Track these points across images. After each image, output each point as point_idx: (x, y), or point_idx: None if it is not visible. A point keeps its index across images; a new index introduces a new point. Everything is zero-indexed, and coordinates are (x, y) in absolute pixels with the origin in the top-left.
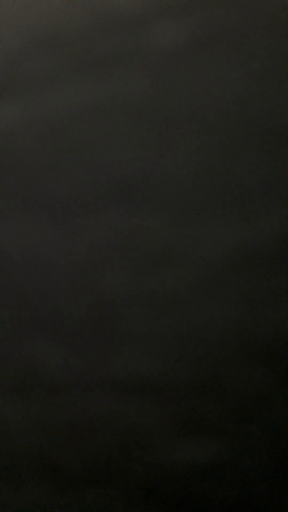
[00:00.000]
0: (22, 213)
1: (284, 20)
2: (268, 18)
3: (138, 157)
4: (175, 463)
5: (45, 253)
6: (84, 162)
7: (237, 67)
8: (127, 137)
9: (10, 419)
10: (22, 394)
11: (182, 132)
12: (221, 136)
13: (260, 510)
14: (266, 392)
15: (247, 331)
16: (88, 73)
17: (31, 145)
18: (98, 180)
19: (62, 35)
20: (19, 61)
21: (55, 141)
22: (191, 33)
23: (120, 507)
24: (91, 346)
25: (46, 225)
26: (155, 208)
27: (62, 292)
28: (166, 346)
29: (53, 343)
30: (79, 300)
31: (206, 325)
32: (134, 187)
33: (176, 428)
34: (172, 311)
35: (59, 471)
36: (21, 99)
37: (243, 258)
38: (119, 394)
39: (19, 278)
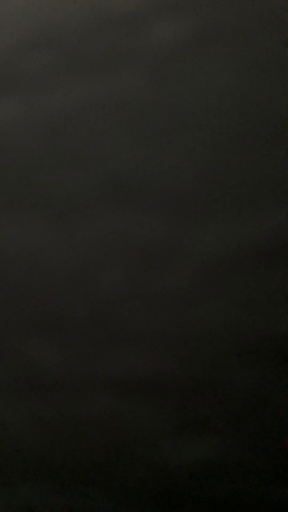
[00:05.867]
0: (20, 211)
1: (282, 19)
2: (266, 18)
3: (137, 156)
4: (175, 462)
5: (44, 253)
6: (83, 161)
7: (235, 66)
8: (126, 136)
9: (10, 419)
10: (22, 394)
11: (181, 131)
12: (220, 135)
13: (260, 510)
14: (265, 392)
15: (246, 330)
16: (87, 72)
17: (30, 144)
18: (97, 179)
19: (60, 34)
20: (18, 60)
21: (54, 140)
22: (189, 33)
23: (119, 507)
24: (90, 346)
25: (45, 224)
26: (154, 208)
27: (62, 291)
28: (166, 345)
29: (53, 343)
30: (78, 300)
31: (205, 324)
32: (133, 186)
33: (176, 427)
34: (171, 310)
35: (58, 471)
36: (20, 98)
37: (241, 257)
38: (119, 394)
39: (19, 277)
